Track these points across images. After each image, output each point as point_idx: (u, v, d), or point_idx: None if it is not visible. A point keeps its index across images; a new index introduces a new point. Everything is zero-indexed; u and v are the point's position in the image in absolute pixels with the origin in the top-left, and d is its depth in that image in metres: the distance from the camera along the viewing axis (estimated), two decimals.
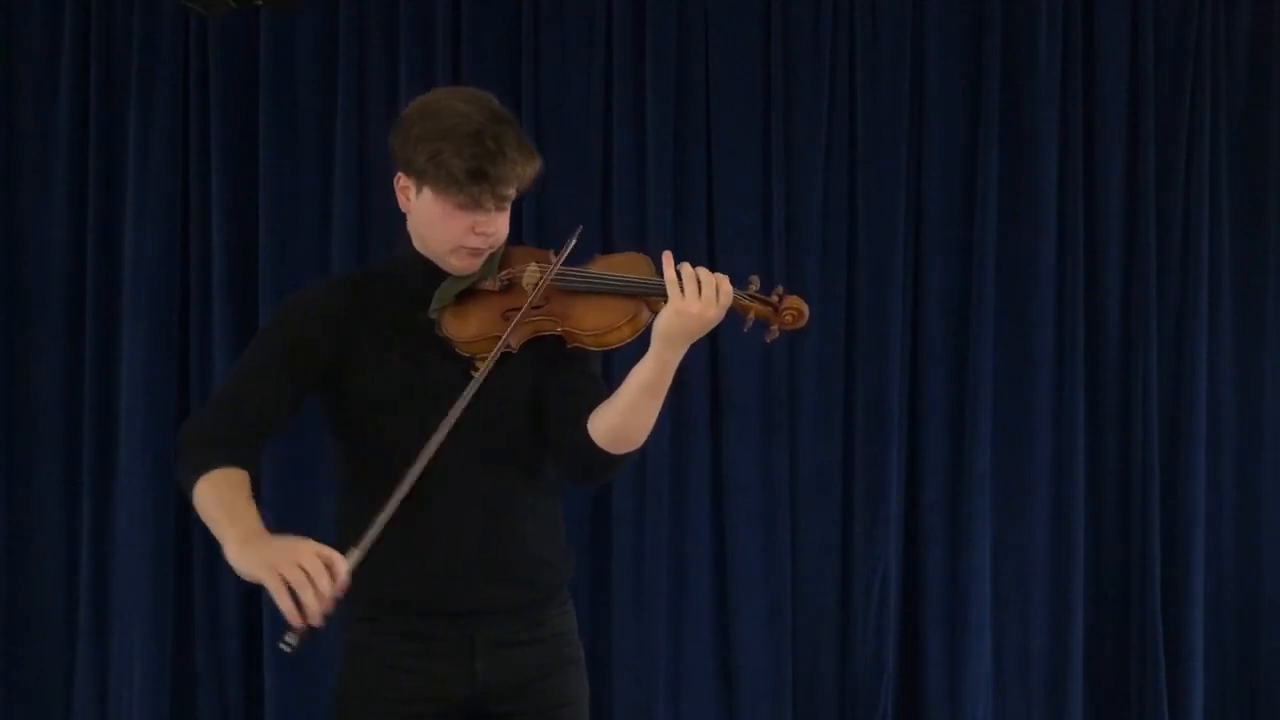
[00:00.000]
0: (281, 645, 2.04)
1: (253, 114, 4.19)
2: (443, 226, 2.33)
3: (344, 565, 2.07)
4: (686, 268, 2.25)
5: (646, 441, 2.38)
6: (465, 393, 2.27)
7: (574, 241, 2.35)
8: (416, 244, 2.41)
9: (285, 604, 2.02)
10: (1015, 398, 4.29)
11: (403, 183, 2.36)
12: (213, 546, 4.27)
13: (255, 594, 4.19)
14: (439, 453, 2.26)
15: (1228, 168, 4.35)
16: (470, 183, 2.26)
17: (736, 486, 4.25)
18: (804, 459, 4.28)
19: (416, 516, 2.33)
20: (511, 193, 2.31)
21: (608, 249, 3.66)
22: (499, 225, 2.35)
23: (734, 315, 2.31)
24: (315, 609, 2.02)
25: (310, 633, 2.02)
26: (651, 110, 4.21)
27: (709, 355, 4.20)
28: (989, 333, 4.26)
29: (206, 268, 4.21)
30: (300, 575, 2.02)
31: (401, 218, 2.43)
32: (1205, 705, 4.32)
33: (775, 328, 2.35)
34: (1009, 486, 4.31)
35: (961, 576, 4.28)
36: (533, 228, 4.03)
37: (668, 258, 2.27)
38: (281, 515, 4.19)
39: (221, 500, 2.20)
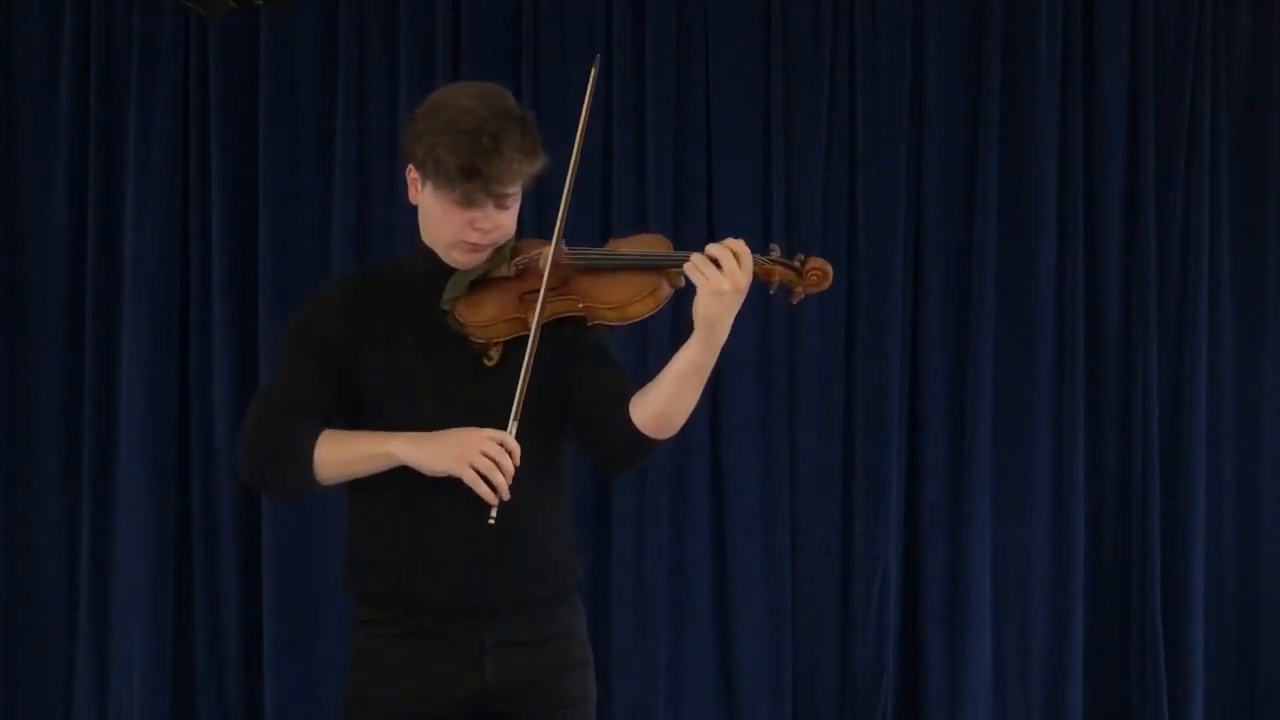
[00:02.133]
0: (489, 521, 2.24)
1: (253, 114, 4.19)
2: (443, 221, 2.34)
3: (513, 440, 2.24)
4: (696, 255, 2.24)
5: None
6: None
7: (594, 71, 2.37)
8: (426, 238, 2.41)
9: (483, 489, 2.23)
10: (1015, 398, 4.29)
11: (412, 175, 2.37)
12: (213, 546, 4.30)
13: (255, 594, 4.19)
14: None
15: (1228, 168, 4.35)
16: (463, 179, 2.25)
17: (736, 486, 4.25)
18: (804, 459, 4.28)
19: (427, 513, 2.34)
20: (510, 191, 2.31)
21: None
22: (500, 222, 2.34)
23: (758, 281, 2.30)
24: (505, 486, 2.23)
25: (502, 505, 2.25)
26: (651, 110, 4.21)
27: None
28: (989, 333, 4.26)
29: (206, 268, 4.21)
30: (488, 462, 2.23)
31: (413, 212, 2.44)
32: (1205, 705, 4.32)
33: (800, 290, 2.35)
34: (1009, 486, 4.31)
35: (961, 576, 4.28)
36: (533, 227, 4.02)
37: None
38: (283, 512, 4.24)
39: (350, 440, 2.34)
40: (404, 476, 2.35)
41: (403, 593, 2.38)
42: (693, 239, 4.18)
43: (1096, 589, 4.35)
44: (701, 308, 2.22)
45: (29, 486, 4.24)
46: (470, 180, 2.25)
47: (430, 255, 2.40)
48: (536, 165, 2.32)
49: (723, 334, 2.25)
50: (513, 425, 2.26)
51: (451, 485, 2.32)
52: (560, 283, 2.34)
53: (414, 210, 2.40)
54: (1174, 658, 4.28)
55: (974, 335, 4.26)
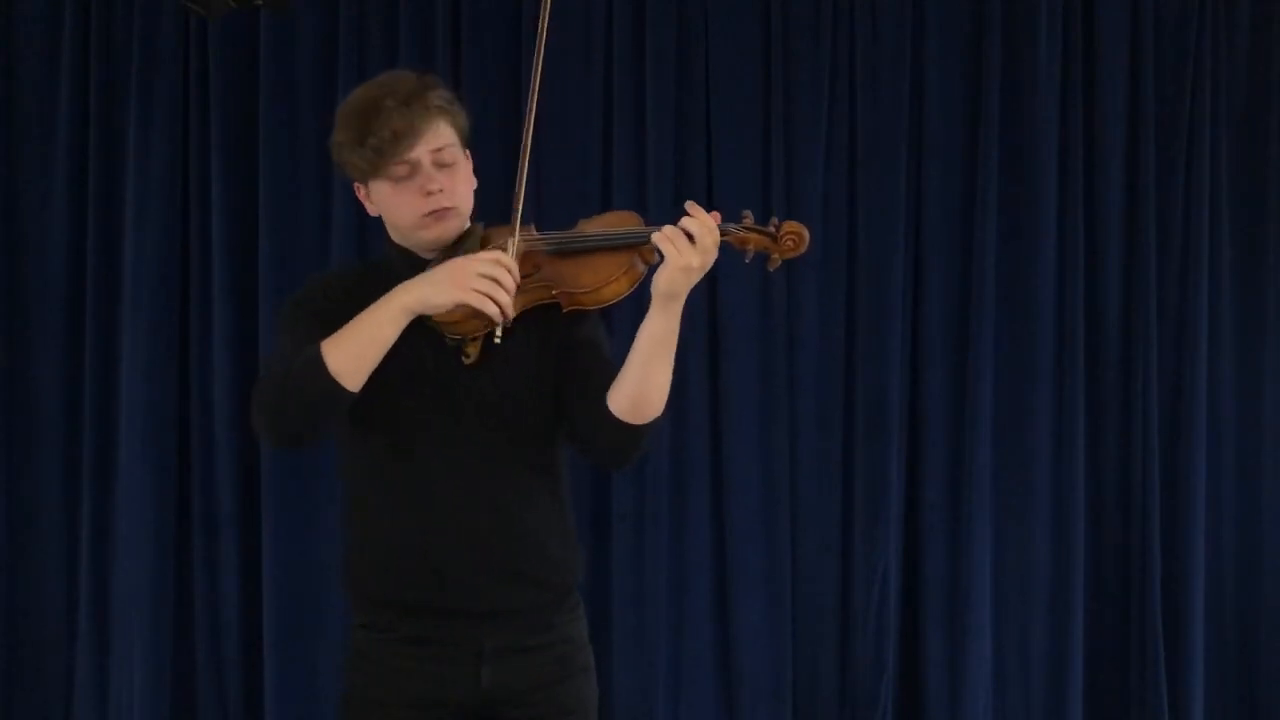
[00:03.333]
0: (496, 340, 2.27)
1: (253, 114, 4.19)
2: (398, 204, 2.35)
3: (509, 257, 2.26)
4: (669, 227, 2.25)
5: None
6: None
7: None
8: (395, 238, 2.42)
9: (489, 308, 2.23)
10: (1015, 398, 4.29)
11: (357, 191, 2.41)
12: (212, 546, 4.29)
13: (255, 593, 4.19)
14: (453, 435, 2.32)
15: (1228, 168, 4.35)
16: (368, 148, 2.28)
17: (736, 486, 4.25)
18: (804, 459, 4.28)
19: (421, 518, 2.34)
20: (430, 142, 2.32)
21: None
22: (450, 181, 2.35)
23: (732, 250, 2.31)
24: (509, 303, 2.24)
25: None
26: (651, 110, 4.20)
27: (709, 355, 4.21)
28: (989, 333, 4.26)
29: (206, 268, 4.21)
30: (488, 281, 2.23)
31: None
32: (1205, 705, 4.32)
33: (776, 256, 2.33)
34: (1009, 486, 4.31)
35: (961, 576, 4.27)
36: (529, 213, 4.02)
37: (692, 206, 2.28)
38: (283, 512, 4.22)
39: (352, 327, 2.26)
40: (402, 478, 2.35)
41: (401, 596, 2.37)
42: None
43: (1096, 589, 4.35)
44: (665, 281, 2.23)
45: (29, 487, 4.24)
46: (373, 142, 2.28)
47: (403, 253, 2.41)
48: (429, 108, 2.31)
49: (681, 305, 2.27)
50: (511, 245, 2.28)
51: (452, 491, 2.32)
52: (531, 269, 2.32)
53: None
54: (1174, 658, 4.29)
55: (974, 335, 4.26)
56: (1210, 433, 4.35)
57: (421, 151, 2.31)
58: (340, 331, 2.26)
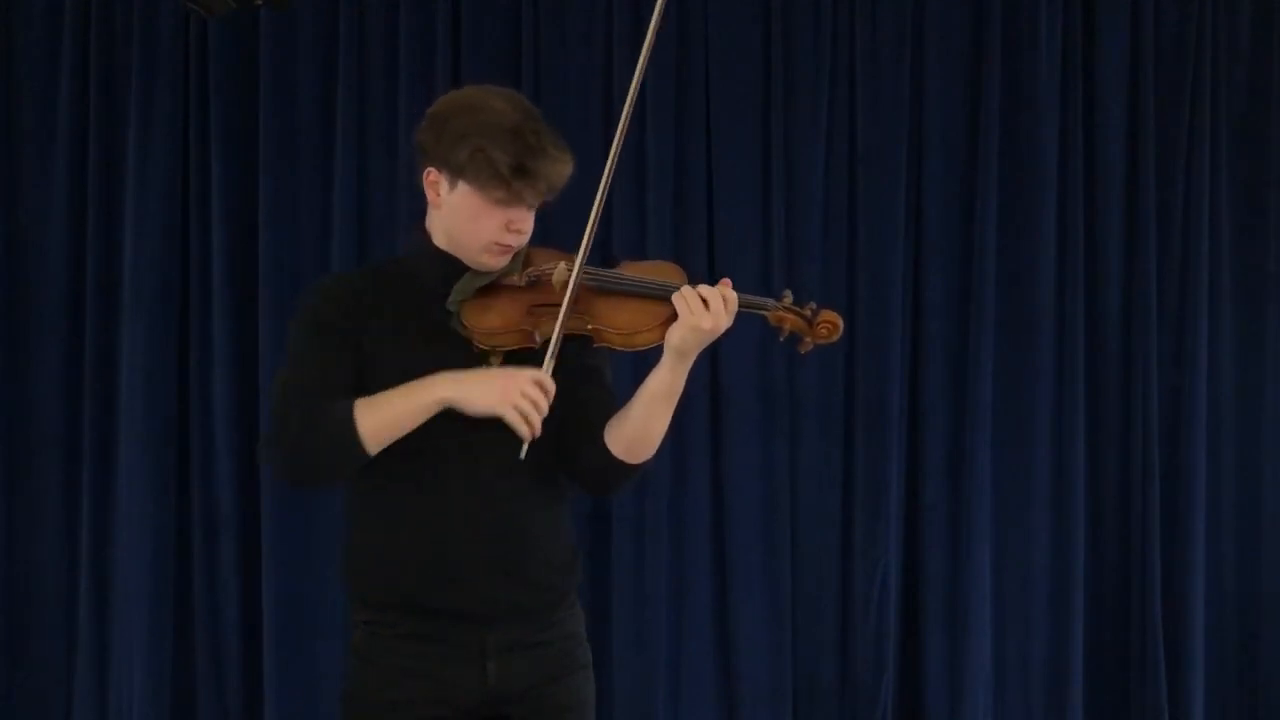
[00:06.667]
0: (521, 457, 2.29)
1: (253, 113, 4.19)
2: (478, 222, 2.33)
3: (550, 380, 2.29)
4: (687, 289, 2.29)
5: None
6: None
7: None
8: (440, 239, 2.40)
9: (523, 428, 2.27)
10: (1015, 398, 4.29)
11: (433, 177, 2.36)
12: (213, 546, 4.29)
13: (255, 593, 4.19)
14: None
15: (1228, 168, 4.35)
16: (514, 178, 2.28)
17: (736, 487, 4.25)
18: (804, 459, 4.28)
19: (430, 519, 2.34)
20: (545, 189, 2.33)
21: (607, 249, 3.66)
22: (531, 223, 2.37)
23: (769, 327, 2.37)
24: (539, 424, 2.28)
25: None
26: (651, 109, 4.20)
27: (709, 357, 4.20)
28: (989, 333, 4.26)
29: (206, 268, 4.21)
30: (529, 404, 2.27)
31: (420, 213, 2.42)
32: (1205, 705, 4.32)
33: (809, 340, 2.39)
34: (1009, 486, 4.31)
35: (961, 576, 4.28)
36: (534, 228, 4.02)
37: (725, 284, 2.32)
38: (283, 511, 4.22)
39: (389, 400, 2.29)
40: (411, 480, 2.35)
41: (404, 598, 2.38)
42: (693, 239, 4.19)
43: (1096, 589, 4.35)
44: (678, 338, 2.29)
45: (29, 487, 4.24)
46: (521, 179, 2.28)
47: (441, 256, 2.39)
48: (571, 165, 2.35)
49: (691, 361, 2.33)
50: (549, 364, 2.29)
51: (458, 495, 2.33)
52: (573, 300, 2.33)
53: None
54: (1174, 658, 4.28)
55: (974, 335, 4.26)
56: (1210, 432, 4.35)
57: (541, 193, 2.33)
58: (376, 401, 2.29)
